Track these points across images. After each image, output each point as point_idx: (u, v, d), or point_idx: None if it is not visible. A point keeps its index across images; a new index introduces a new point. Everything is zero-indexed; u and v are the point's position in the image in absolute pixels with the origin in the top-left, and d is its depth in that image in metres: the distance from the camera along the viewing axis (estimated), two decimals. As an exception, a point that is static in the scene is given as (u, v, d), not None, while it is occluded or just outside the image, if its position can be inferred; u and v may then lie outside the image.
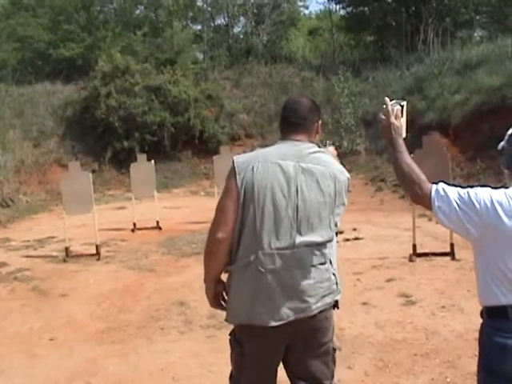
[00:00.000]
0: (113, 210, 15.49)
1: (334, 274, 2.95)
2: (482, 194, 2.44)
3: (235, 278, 2.87)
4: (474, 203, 2.42)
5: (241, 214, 2.80)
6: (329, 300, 2.93)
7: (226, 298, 3.00)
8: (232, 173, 2.84)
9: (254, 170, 2.80)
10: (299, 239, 2.80)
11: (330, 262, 2.93)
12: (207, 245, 2.88)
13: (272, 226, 2.78)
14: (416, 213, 8.61)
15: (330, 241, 2.93)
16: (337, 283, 2.97)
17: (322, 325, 2.95)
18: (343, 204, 2.98)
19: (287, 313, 2.79)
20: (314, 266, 2.85)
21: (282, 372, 3.07)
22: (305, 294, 2.82)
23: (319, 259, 2.86)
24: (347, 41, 30.29)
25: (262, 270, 2.76)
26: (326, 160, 2.97)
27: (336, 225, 2.96)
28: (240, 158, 2.89)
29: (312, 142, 3.01)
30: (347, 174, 3.02)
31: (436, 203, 2.47)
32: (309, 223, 2.82)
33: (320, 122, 3.11)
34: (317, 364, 2.98)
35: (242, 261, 2.81)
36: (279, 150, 2.92)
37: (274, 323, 2.78)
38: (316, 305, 2.85)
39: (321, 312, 2.89)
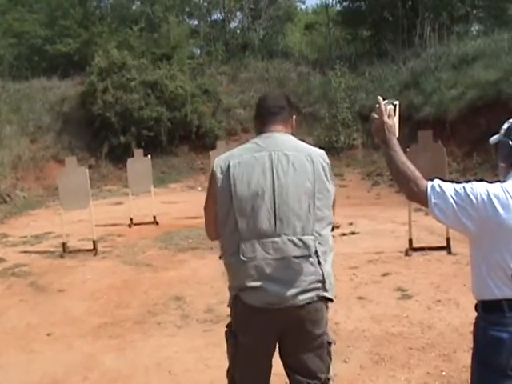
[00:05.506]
0: (110, 206, 15.48)
1: (322, 270, 2.87)
2: (479, 189, 2.44)
3: (227, 267, 3.00)
4: (470, 198, 2.42)
5: (221, 209, 2.91)
6: (313, 295, 2.86)
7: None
8: (212, 173, 2.97)
9: (231, 165, 2.89)
10: (279, 226, 2.82)
11: (317, 257, 2.86)
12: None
13: (250, 216, 2.84)
14: (412, 207, 8.60)
15: (318, 232, 2.88)
16: (324, 280, 2.87)
17: (312, 316, 2.91)
18: (327, 190, 2.93)
19: (270, 300, 2.81)
20: (296, 257, 2.82)
21: (280, 365, 3.09)
22: (286, 284, 2.81)
23: (302, 251, 2.83)
24: (344, 35, 30.26)
25: (244, 258, 2.83)
26: (302, 145, 3.01)
27: (326, 216, 2.93)
28: (218, 159, 3.00)
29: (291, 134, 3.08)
30: (327, 160, 2.99)
31: (432, 200, 2.46)
32: (289, 208, 2.83)
33: (295, 117, 3.16)
34: (311, 357, 2.99)
35: (228, 251, 2.93)
36: (255, 144, 2.99)
37: (260, 306, 2.82)
38: (300, 297, 2.82)
39: (309, 303, 2.85)
